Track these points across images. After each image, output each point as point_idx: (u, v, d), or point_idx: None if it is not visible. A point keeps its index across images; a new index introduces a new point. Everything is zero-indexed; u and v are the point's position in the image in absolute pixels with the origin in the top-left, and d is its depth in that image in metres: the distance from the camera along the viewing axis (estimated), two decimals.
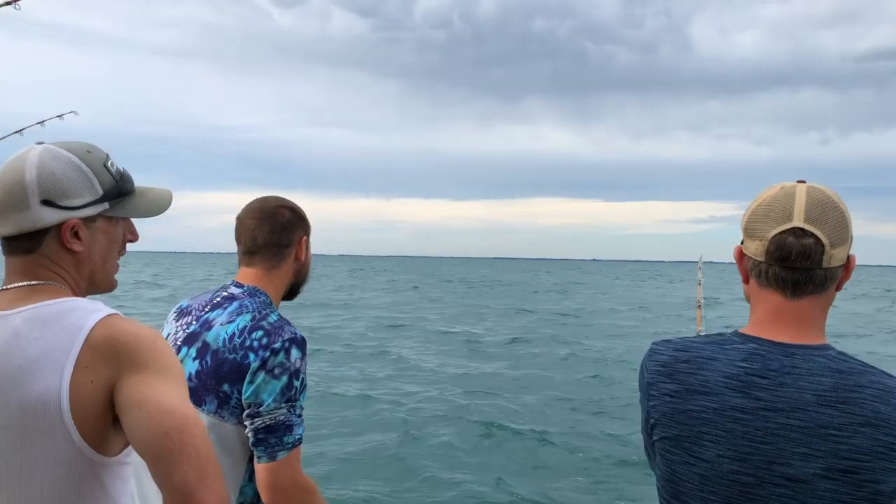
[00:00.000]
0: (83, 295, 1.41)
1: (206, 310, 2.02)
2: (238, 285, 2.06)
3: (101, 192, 1.39)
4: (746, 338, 1.35)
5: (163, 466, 1.15)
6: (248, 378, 1.84)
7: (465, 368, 15.19)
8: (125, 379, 1.24)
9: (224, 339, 1.91)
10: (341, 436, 9.63)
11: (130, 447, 1.29)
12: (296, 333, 1.91)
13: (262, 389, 1.83)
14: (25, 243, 1.35)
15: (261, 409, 1.83)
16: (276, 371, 1.84)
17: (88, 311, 1.30)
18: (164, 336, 1.98)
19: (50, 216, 1.34)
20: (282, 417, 1.83)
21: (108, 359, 1.25)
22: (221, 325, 1.94)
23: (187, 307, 2.08)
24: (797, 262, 1.30)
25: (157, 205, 1.51)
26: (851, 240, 1.34)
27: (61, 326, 1.27)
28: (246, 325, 1.91)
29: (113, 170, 1.43)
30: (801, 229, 1.30)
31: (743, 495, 1.28)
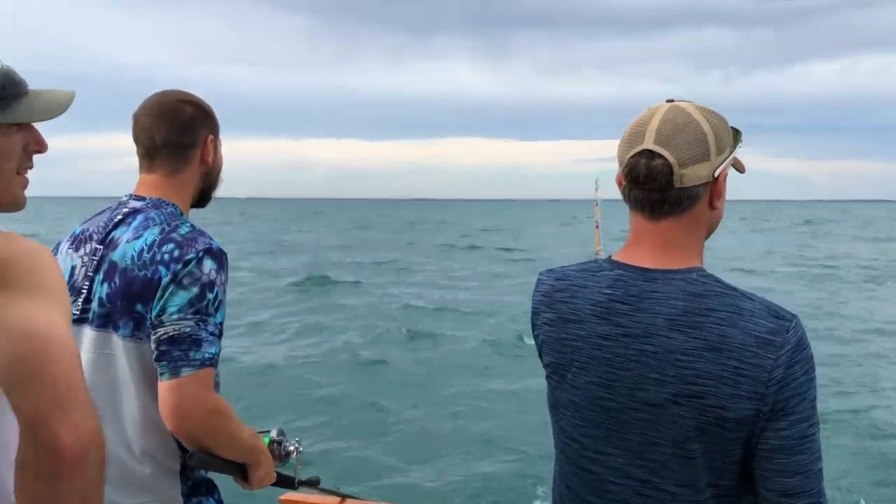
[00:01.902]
0: None
1: (109, 229, 1.82)
2: (139, 198, 1.86)
3: None
4: (615, 264, 1.37)
5: (14, 395, 1.04)
6: (157, 294, 1.68)
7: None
8: None
9: (132, 255, 1.73)
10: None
11: None
12: (211, 244, 1.75)
13: (169, 301, 1.67)
14: None
15: (163, 317, 1.67)
16: (186, 281, 1.69)
17: None
18: (67, 270, 1.80)
19: None
20: (188, 329, 1.66)
21: None
22: (128, 242, 1.76)
23: (83, 232, 1.86)
24: (646, 183, 1.31)
25: (55, 105, 1.35)
26: (726, 156, 1.34)
27: None
28: (155, 239, 1.74)
29: None
30: (650, 151, 1.30)
31: (610, 420, 1.32)
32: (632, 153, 1.33)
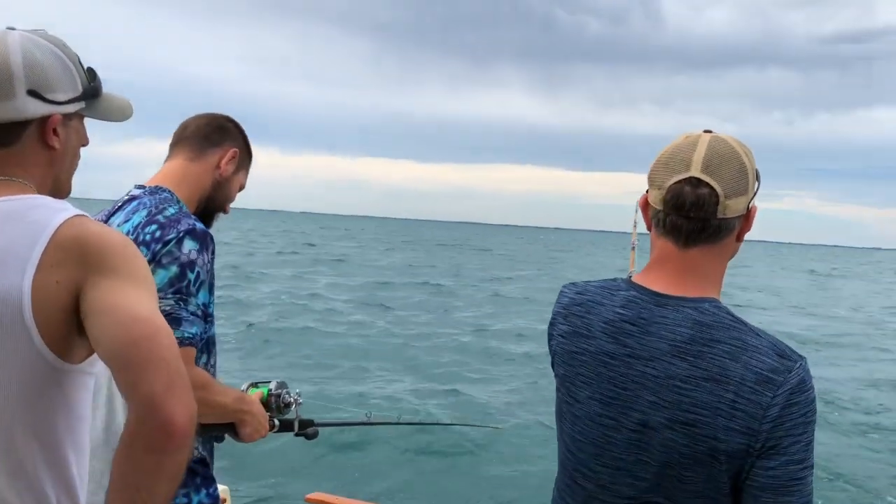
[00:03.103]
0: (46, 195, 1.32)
1: (108, 216, 1.90)
2: (140, 187, 1.94)
3: (80, 89, 1.31)
4: (632, 285, 1.38)
5: (129, 376, 1.11)
6: None
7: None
8: (93, 282, 1.17)
9: None
10: None
11: (94, 358, 1.24)
12: (194, 225, 1.78)
13: None
14: (2, 135, 1.26)
15: None
16: (164, 261, 1.71)
17: (55, 210, 1.22)
18: None
19: (35, 108, 1.26)
20: (167, 308, 1.65)
21: (75, 260, 1.17)
22: (118, 226, 1.81)
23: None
24: (691, 211, 1.31)
25: (126, 110, 1.44)
26: (754, 191, 1.36)
27: (25, 223, 1.19)
28: (140, 221, 1.79)
29: (85, 68, 1.35)
30: (697, 179, 1.30)
31: (604, 437, 1.33)
32: (676, 179, 1.32)
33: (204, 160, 1.97)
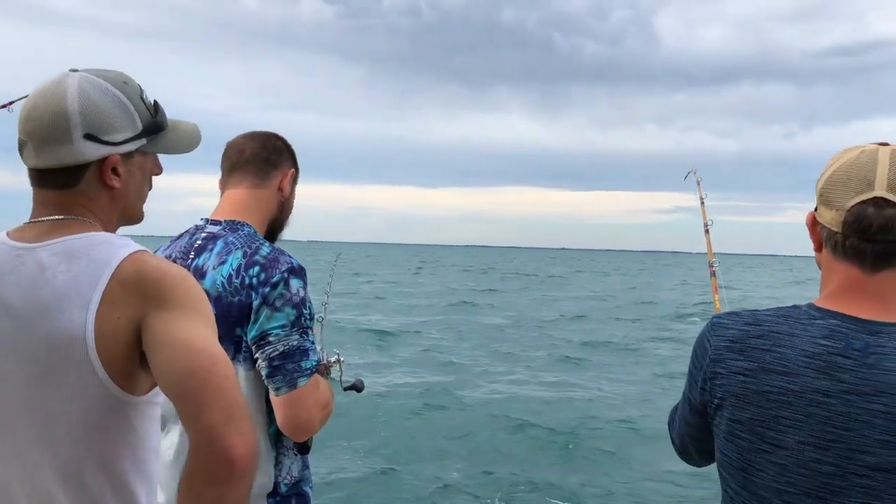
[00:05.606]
0: (113, 230, 1.37)
1: (192, 257, 1.90)
2: (214, 222, 1.95)
3: (140, 127, 1.33)
4: (826, 312, 1.24)
5: (189, 407, 1.13)
6: (251, 318, 1.79)
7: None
8: (152, 316, 1.21)
9: (222, 282, 1.83)
10: None
11: (159, 388, 1.26)
12: (292, 262, 1.84)
13: (267, 322, 1.78)
14: (63, 178, 1.30)
15: (270, 337, 1.78)
16: (278, 303, 1.79)
17: (117, 246, 1.26)
18: None
19: (93, 151, 1.29)
20: (295, 343, 1.78)
21: (136, 295, 1.22)
22: (214, 268, 1.85)
23: (168, 258, 1.83)
24: (878, 234, 1.20)
25: (192, 140, 1.46)
26: None
27: (88, 260, 1.24)
28: (240, 263, 1.83)
29: (148, 102, 1.36)
30: (884, 199, 1.19)
31: (824, 486, 1.18)
32: (858, 200, 1.21)
33: (268, 185, 2.01)
